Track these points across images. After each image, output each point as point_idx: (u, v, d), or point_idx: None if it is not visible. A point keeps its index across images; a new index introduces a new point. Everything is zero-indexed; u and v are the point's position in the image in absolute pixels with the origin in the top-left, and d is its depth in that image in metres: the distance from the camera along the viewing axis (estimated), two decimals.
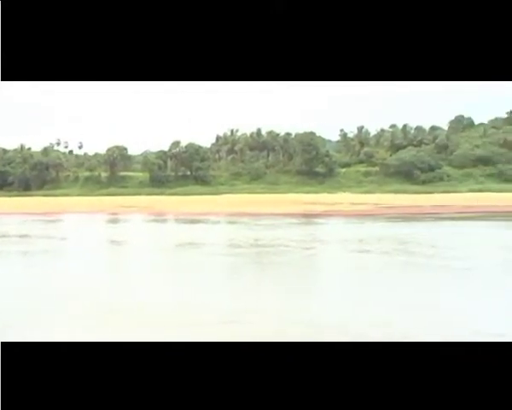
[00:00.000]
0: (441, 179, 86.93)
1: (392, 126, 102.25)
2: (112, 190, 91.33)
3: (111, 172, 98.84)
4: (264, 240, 26.31)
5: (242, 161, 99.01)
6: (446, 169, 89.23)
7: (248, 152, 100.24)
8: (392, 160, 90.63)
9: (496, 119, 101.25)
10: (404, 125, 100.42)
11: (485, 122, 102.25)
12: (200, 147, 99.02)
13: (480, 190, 77.17)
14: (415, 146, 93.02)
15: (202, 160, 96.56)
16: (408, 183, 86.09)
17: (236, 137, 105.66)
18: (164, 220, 45.84)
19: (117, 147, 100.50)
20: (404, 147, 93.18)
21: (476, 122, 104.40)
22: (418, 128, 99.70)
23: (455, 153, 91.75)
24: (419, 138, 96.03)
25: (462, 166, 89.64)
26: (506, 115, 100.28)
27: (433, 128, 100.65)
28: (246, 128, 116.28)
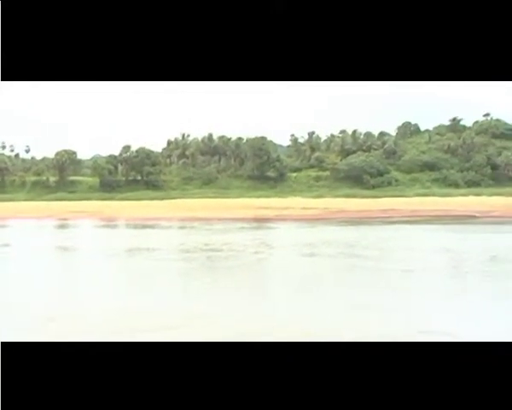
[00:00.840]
0: (390, 184, 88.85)
1: (342, 132, 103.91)
2: (60, 194, 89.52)
3: (60, 177, 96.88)
4: (215, 244, 26.42)
5: (194, 166, 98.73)
6: (394, 174, 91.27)
7: (200, 157, 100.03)
8: (343, 165, 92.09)
9: (440, 126, 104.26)
10: (354, 131, 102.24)
11: (431, 129, 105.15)
12: (151, 151, 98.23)
13: (426, 195, 79.25)
14: (364, 151, 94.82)
15: (153, 164, 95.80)
16: (358, 187, 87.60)
17: (188, 142, 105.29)
18: (114, 226, 45.31)
19: (66, 151, 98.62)
20: (354, 152, 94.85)
21: (422, 129, 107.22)
22: (367, 134, 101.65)
23: (402, 158, 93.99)
24: (368, 144, 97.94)
25: (409, 171, 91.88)
26: (449, 123, 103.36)
27: (382, 134, 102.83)
28: (198, 132, 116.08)
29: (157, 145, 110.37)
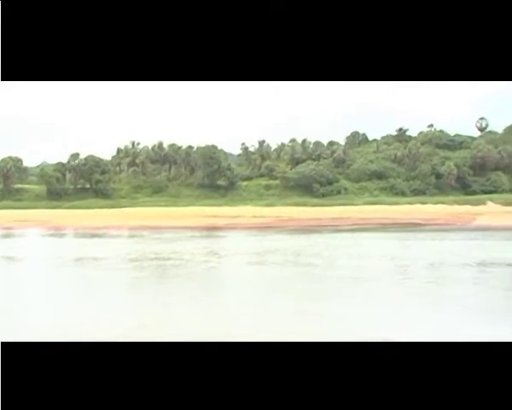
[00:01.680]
0: (339, 192, 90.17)
1: (292, 141, 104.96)
2: (6, 203, 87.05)
3: (4, 185, 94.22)
4: (165, 253, 26.35)
5: (144, 174, 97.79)
6: (343, 183, 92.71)
7: (150, 165, 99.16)
8: (293, 173, 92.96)
9: (387, 135, 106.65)
10: (304, 140, 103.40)
11: (378, 139, 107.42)
12: (100, 159, 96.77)
13: (374, 203, 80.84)
14: (314, 160, 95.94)
15: (103, 172, 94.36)
16: (308, 196, 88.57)
17: (138, 150, 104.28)
18: (62, 235, 44.48)
19: (11, 158, 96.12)
20: (304, 161, 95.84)
21: (370, 138, 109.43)
22: (317, 143, 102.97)
23: (351, 167, 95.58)
24: (318, 153, 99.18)
25: (357, 180, 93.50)
26: (396, 133, 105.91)
27: (331, 143, 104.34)
28: (148, 140, 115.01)
29: (106, 153, 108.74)
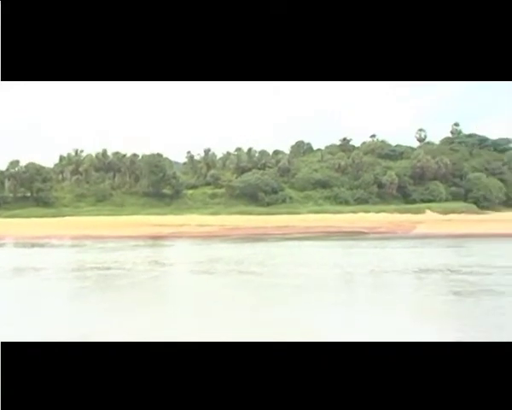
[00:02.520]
0: (284, 201, 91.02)
1: (238, 150, 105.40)
2: None
3: None
4: (107, 263, 25.98)
5: (87, 182, 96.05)
6: (288, 191, 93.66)
7: (94, 173, 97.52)
8: (238, 182, 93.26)
9: (331, 145, 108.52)
10: (249, 149, 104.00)
11: (322, 148, 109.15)
12: (41, 167, 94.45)
13: (319, 212, 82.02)
14: (259, 169, 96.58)
15: (44, 180, 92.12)
16: (253, 204, 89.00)
17: (81, 158, 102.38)
18: (0, 244, 43.16)
19: None
20: (249, 170, 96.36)
21: (314, 148, 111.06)
22: (262, 152, 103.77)
23: (296, 176, 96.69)
24: (263, 162, 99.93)
25: (302, 189, 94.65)
26: (339, 142, 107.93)
27: (276, 152, 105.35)
28: (92, 148, 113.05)
29: (48, 161, 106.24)
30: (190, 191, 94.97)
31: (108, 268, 24.13)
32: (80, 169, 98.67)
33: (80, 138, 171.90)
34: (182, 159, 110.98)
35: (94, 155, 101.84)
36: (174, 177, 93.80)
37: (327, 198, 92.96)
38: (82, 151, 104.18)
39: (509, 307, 15.24)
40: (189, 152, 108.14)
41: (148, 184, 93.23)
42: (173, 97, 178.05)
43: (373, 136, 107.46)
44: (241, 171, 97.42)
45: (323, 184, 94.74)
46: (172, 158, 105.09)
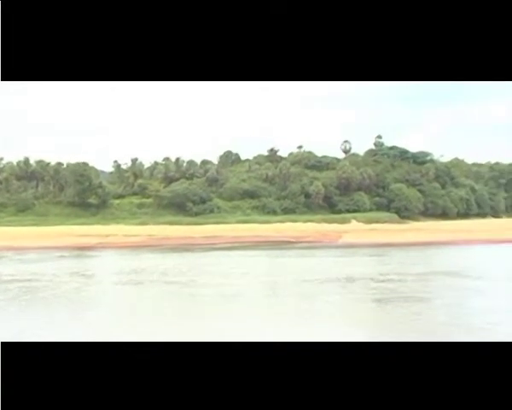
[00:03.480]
0: (212, 211, 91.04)
1: (166, 159, 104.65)
2: None
3: None
4: (25, 275, 25.28)
5: (8, 191, 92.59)
6: (217, 201, 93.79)
7: (15, 182, 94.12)
8: (166, 192, 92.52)
9: (259, 155, 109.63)
10: (177, 159, 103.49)
11: (250, 158, 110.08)
12: None
13: (247, 222, 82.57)
14: (187, 179, 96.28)
15: None
16: (181, 214, 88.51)
17: (1, 166, 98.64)
18: None
19: None
20: (177, 179, 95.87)
21: (242, 158, 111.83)
22: (190, 162, 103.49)
23: (224, 186, 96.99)
24: (191, 171, 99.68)
25: (230, 199, 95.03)
26: (267, 153, 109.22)
27: (204, 162, 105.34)
28: (13, 156, 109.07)
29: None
30: (117, 201, 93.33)
31: (26, 280, 23.51)
32: (0, 178, 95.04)
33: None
34: (108, 168, 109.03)
35: (15, 164, 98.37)
36: (100, 186, 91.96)
37: (255, 208, 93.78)
38: (2, 159, 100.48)
39: (424, 313, 16.12)
40: (115, 161, 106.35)
41: (74, 193, 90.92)
42: (100, 104, 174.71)
43: (300, 147, 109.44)
44: (169, 181, 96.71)
45: (251, 194, 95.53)
46: (99, 167, 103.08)
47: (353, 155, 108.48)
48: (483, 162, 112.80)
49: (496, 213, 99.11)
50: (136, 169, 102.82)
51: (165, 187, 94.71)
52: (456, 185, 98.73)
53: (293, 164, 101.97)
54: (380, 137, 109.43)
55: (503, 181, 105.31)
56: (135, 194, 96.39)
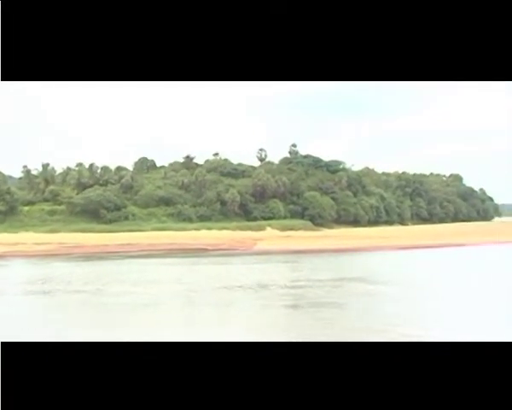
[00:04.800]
0: (127, 218, 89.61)
1: (79, 165, 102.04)
2: None
3: None
4: None
5: None
6: (132, 208, 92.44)
7: None
8: (79, 198, 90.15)
9: (175, 162, 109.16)
10: (91, 165, 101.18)
11: (166, 165, 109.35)
12: None
13: (163, 229, 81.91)
14: (101, 185, 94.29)
15: None
16: (95, 222, 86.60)
17: None
18: None
19: None
20: (91, 186, 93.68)
21: (158, 164, 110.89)
22: (104, 168, 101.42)
23: (139, 193, 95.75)
24: (105, 178, 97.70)
25: (146, 206, 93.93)
26: (183, 160, 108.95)
27: (119, 168, 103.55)
28: None
29: None
30: (26, 208, 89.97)
31: None
32: None
33: None
34: (17, 173, 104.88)
35: None
36: (8, 192, 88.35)
37: (170, 215, 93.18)
38: None
39: (330, 317, 16.89)
40: (25, 166, 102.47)
41: None
42: (9, 104, 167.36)
43: (216, 154, 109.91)
44: (82, 187, 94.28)
45: (167, 202, 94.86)
46: (6, 172, 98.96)
47: (269, 162, 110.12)
48: (391, 172, 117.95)
49: (402, 221, 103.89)
50: (47, 175, 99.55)
51: (78, 194, 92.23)
52: (367, 194, 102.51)
53: (209, 171, 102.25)
54: (294, 145, 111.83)
55: (408, 190, 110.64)
56: (46, 200, 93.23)
